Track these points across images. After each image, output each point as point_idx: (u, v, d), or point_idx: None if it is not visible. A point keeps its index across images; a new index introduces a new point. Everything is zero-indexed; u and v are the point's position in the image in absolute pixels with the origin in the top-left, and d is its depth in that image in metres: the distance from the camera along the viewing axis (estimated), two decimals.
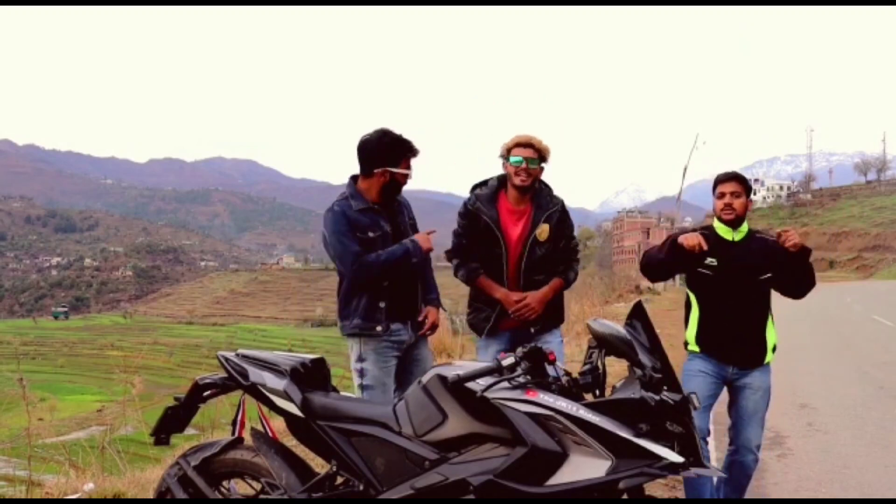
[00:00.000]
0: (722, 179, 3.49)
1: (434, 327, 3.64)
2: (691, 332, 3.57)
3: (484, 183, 3.76)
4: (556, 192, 3.74)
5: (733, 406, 3.54)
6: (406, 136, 3.48)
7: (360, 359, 3.41)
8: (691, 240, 3.32)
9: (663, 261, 3.49)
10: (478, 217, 3.63)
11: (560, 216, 3.67)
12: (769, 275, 3.43)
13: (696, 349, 3.54)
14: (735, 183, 3.45)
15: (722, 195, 3.45)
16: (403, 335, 3.48)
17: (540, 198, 3.66)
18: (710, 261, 3.42)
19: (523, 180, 3.55)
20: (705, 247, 3.30)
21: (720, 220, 3.49)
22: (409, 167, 3.48)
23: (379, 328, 3.39)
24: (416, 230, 3.65)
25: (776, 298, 3.54)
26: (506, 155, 3.62)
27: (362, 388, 3.43)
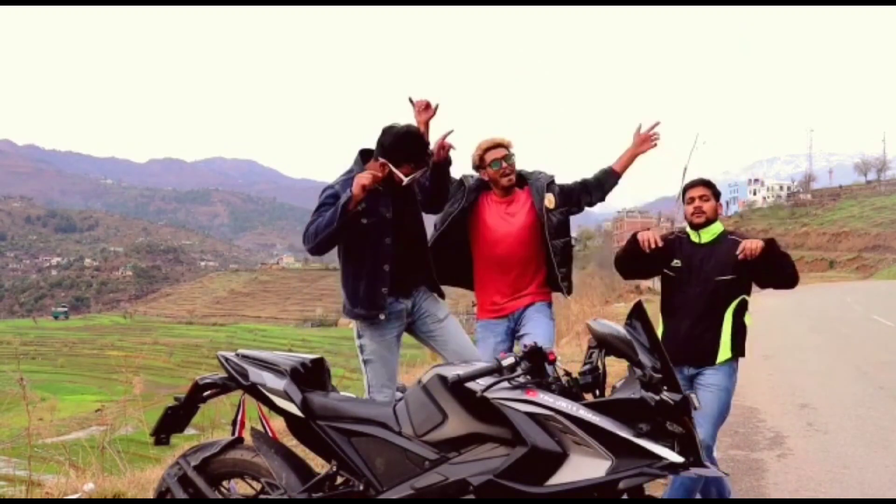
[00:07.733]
0: (690, 186, 3.66)
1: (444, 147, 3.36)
2: None
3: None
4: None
5: None
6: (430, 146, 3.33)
7: (359, 335, 3.39)
8: (645, 234, 3.49)
9: (624, 257, 3.65)
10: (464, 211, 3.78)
11: (551, 183, 3.83)
12: (731, 276, 3.44)
13: None
14: (703, 187, 3.60)
15: (691, 200, 3.60)
16: (400, 306, 3.37)
17: (522, 180, 3.85)
18: (675, 262, 3.56)
19: (510, 179, 3.78)
20: (659, 243, 3.44)
21: (690, 224, 3.62)
22: (408, 174, 3.20)
23: (382, 316, 3.30)
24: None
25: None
26: (479, 164, 3.81)
27: (364, 363, 3.38)
